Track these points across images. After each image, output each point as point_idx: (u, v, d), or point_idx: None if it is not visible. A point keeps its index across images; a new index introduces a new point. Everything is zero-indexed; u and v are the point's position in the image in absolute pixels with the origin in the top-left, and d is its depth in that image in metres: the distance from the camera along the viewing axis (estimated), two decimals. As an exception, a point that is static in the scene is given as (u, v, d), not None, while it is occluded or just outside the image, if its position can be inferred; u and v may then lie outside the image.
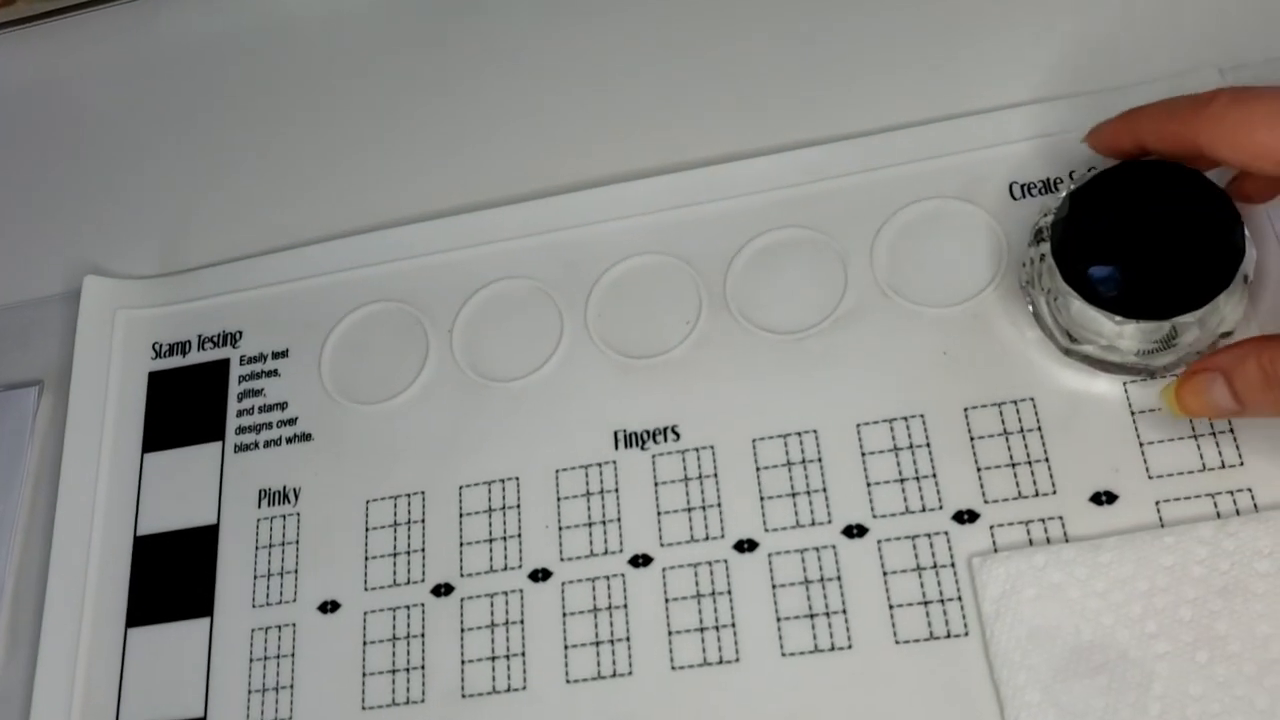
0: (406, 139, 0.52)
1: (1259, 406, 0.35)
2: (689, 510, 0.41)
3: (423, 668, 0.41)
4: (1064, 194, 0.38)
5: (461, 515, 0.43)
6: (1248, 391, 0.35)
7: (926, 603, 0.38)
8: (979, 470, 0.40)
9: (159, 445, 0.47)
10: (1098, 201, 0.37)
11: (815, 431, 0.41)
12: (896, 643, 0.38)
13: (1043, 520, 0.39)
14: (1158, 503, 0.38)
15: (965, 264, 0.43)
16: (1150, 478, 0.38)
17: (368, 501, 0.44)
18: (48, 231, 0.54)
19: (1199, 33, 0.45)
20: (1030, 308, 0.41)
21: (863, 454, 0.41)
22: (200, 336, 0.49)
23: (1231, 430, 0.38)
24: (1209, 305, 0.35)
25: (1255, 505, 0.37)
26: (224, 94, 0.55)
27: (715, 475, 0.42)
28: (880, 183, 0.44)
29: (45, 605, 0.45)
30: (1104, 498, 0.38)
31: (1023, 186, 0.43)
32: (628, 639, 0.40)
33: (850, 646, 0.38)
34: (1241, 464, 0.38)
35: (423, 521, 0.44)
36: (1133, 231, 0.36)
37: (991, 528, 0.39)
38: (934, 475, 0.40)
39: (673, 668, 0.39)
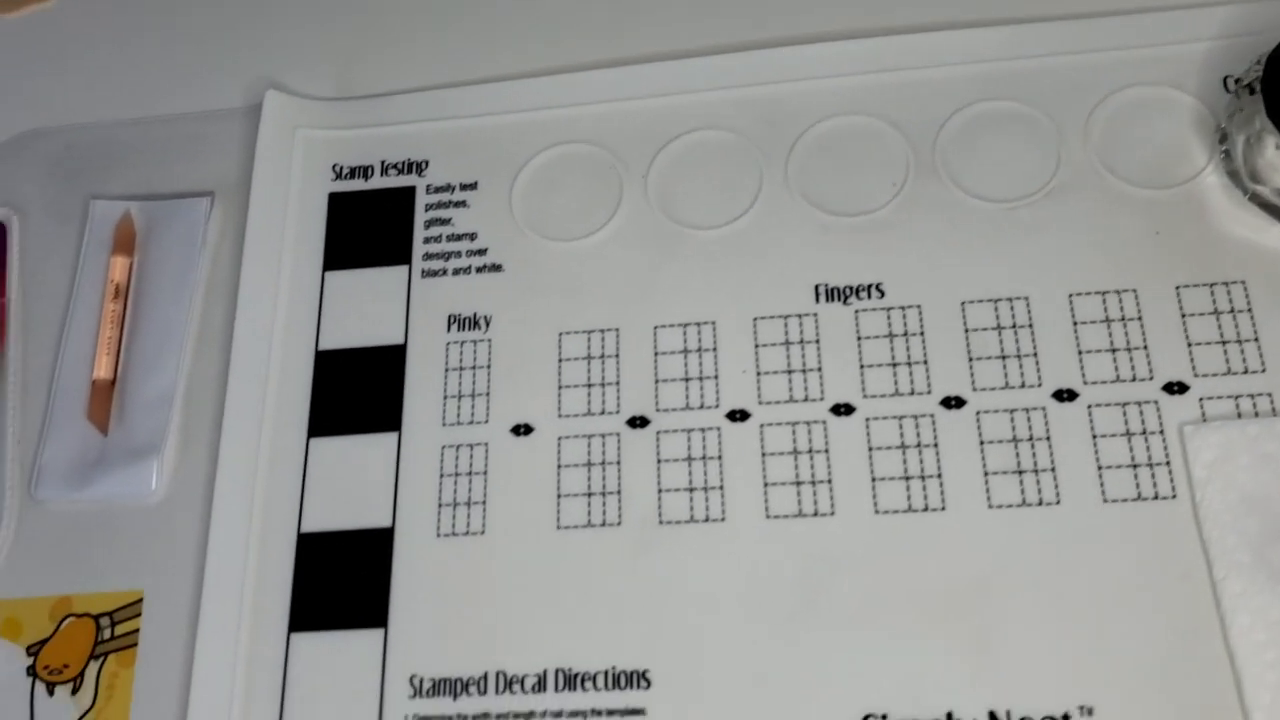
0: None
1: None
2: (894, 365, 0.42)
3: (619, 493, 0.42)
4: None
5: (656, 354, 0.44)
6: None
7: (1135, 466, 0.39)
8: (1190, 345, 0.40)
9: (340, 264, 0.47)
10: None
11: (1026, 298, 0.42)
12: (1105, 501, 0.39)
13: (1252, 396, 0.39)
14: (1365, 388, 0.39)
15: (1178, 149, 0.43)
16: (1358, 365, 0.39)
17: (560, 334, 0.44)
18: (223, 45, 0.53)
19: None
20: (1224, 151, 0.42)
21: (1074, 323, 0.41)
22: (384, 162, 0.49)
23: None
24: None
25: None
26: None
27: (921, 334, 0.42)
28: (1097, 65, 0.45)
29: (225, 412, 0.44)
30: (1313, 380, 0.39)
31: (1236, 81, 0.44)
32: (829, 481, 0.41)
33: (1059, 502, 0.39)
34: None
35: (617, 356, 0.44)
36: None
37: (1201, 400, 0.40)
38: (1145, 347, 0.41)
39: (876, 512, 0.40)
